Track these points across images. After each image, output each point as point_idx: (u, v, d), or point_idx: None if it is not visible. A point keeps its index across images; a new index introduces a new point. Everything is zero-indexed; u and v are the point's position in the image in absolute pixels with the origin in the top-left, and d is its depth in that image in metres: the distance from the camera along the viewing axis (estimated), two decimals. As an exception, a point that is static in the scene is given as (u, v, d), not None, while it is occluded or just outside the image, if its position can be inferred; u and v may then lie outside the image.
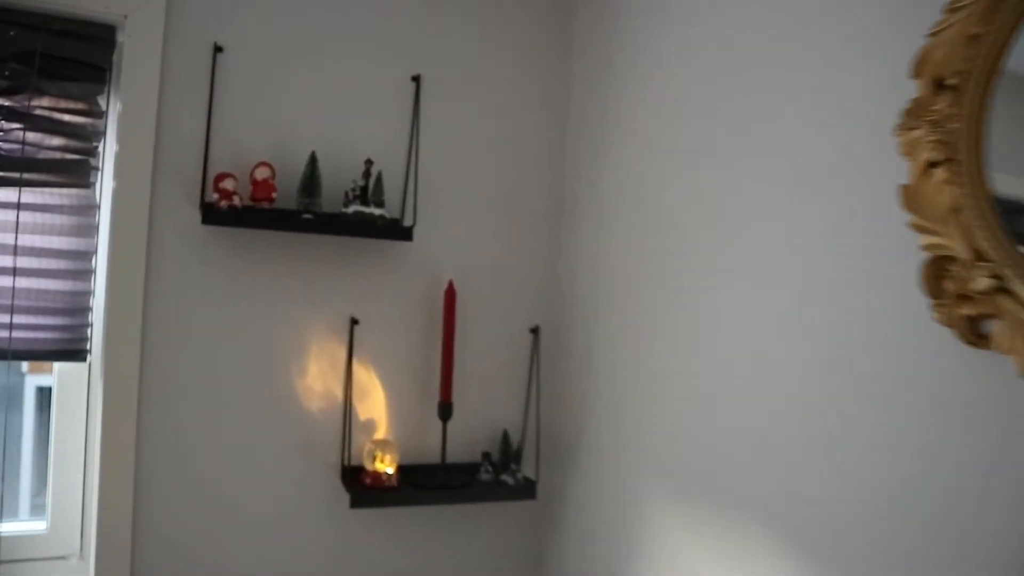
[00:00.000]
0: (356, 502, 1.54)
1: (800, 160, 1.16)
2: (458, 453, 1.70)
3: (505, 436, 1.71)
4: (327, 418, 1.64)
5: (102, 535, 1.48)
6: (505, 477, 1.67)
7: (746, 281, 1.25)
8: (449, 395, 1.63)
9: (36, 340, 1.48)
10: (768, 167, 1.22)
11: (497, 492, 1.66)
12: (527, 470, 1.70)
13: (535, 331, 1.77)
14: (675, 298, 1.42)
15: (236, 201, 1.48)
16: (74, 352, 1.51)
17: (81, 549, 1.53)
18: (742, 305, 1.26)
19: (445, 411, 1.64)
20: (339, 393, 1.65)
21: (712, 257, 1.34)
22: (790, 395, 1.15)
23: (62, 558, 1.53)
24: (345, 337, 1.65)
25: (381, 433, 1.68)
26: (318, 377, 1.63)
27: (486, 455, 1.68)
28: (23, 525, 1.54)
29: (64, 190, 1.48)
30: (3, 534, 1.45)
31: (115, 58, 1.50)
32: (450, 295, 1.65)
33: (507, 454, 1.70)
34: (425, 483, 1.61)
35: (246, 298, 1.59)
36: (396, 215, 1.65)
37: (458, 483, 1.62)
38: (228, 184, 1.48)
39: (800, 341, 1.14)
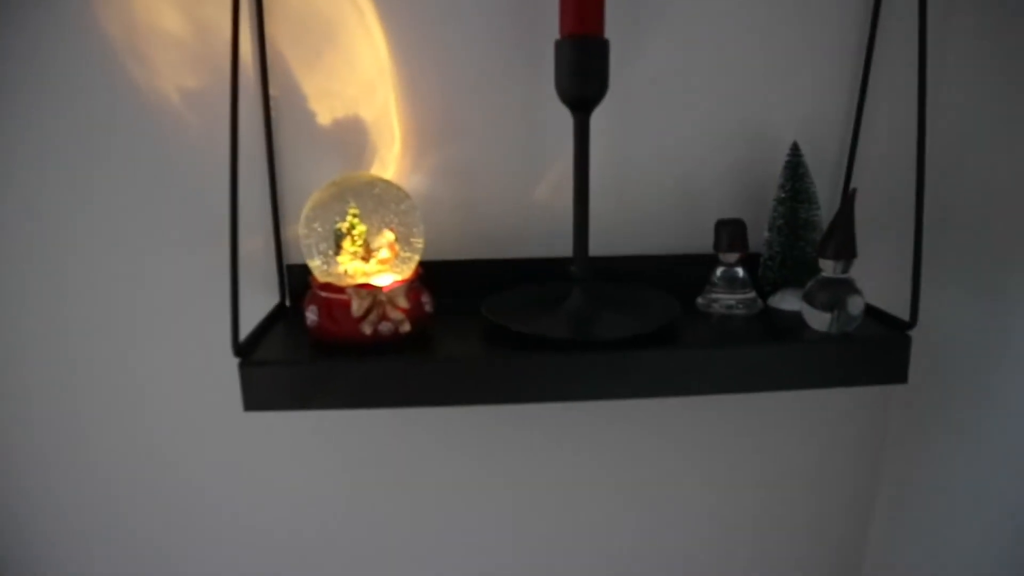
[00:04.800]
0: (254, 399, 0.43)
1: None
2: (619, 227, 0.54)
3: (794, 167, 0.52)
4: (207, 121, 0.51)
5: None
6: (786, 301, 0.51)
7: None
8: (598, 20, 0.44)
9: None
10: None
11: (788, 372, 0.46)
12: (867, 279, 0.48)
13: None
14: None
15: None
16: None
17: None
18: None
19: (581, 79, 0.44)
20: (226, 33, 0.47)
21: None
22: None
23: None
24: None
25: (391, 167, 0.53)
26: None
27: (730, 229, 0.50)
28: None
29: None
30: None
31: None
32: None
33: (798, 225, 0.52)
34: (519, 325, 0.47)
35: None
36: None
37: (648, 325, 0.47)
38: None
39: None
